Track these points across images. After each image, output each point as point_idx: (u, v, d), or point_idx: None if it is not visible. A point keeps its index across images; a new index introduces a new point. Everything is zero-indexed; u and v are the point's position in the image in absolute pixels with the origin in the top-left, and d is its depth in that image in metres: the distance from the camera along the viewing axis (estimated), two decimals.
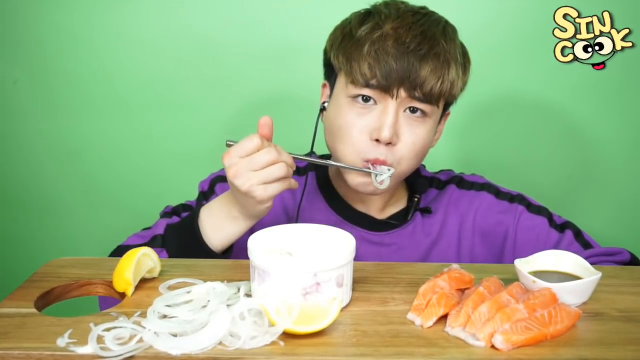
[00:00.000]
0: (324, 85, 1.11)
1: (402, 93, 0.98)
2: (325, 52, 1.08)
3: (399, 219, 1.14)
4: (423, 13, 1.03)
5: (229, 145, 0.94)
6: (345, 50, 1.01)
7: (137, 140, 1.59)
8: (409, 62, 0.97)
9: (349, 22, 1.04)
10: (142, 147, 1.59)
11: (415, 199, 1.14)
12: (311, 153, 1.13)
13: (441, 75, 0.98)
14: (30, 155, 1.61)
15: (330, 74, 1.08)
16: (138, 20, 1.52)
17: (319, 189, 1.15)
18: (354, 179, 1.03)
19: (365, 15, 1.03)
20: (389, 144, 0.99)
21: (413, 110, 1.00)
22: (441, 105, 1.03)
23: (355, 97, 1.00)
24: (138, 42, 1.52)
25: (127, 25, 1.52)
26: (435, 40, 0.99)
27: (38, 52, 1.55)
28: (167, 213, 1.14)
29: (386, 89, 0.98)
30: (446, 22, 1.05)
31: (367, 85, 0.98)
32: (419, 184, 1.16)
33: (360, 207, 1.14)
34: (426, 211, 1.14)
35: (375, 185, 1.01)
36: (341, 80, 1.03)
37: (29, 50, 1.54)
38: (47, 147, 1.60)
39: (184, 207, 1.15)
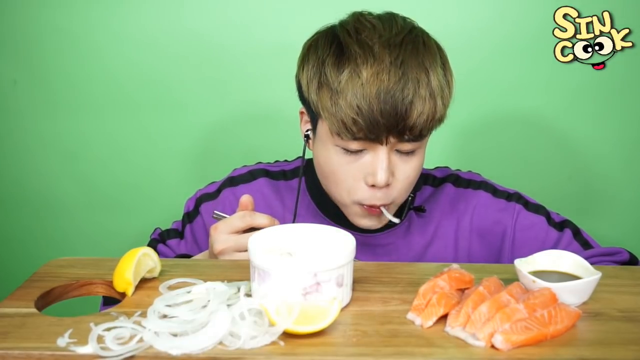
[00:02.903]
0: (301, 113, 1.07)
1: (392, 139, 0.95)
2: (300, 87, 1.01)
3: None
4: (398, 42, 0.94)
5: (216, 217, 1.00)
6: (324, 100, 0.95)
7: (135, 141, 1.59)
8: (397, 110, 0.91)
9: (323, 61, 0.96)
10: (140, 148, 1.59)
11: (410, 198, 1.11)
12: (300, 158, 1.13)
13: (430, 114, 0.94)
14: (28, 155, 1.61)
15: (308, 109, 1.02)
16: (137, 21, 1.52)
17: (309, 194, 1.14)
18: (360, 221, 1.04)
19: (339, 57, 0.95)
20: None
21: (405, 150, 0.98)
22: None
23: (343, 147, 0.97)
24: (137, 42, 1.53)
25: (126, 25, 1.52)
26: (417, 77, 0.93)
27: (37, 53, 1.55)
28: (155, 240, 1.15)
29: (374, 140, 0.94)
30: (416, 35, 0.97)
31: (355, 139, 0.94)
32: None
33: None
34: (420, 210, 1.13)
35: (389, 217, 1.02)
36: (325, 127, 0.98)
37: (29, 50, 1.54)
38: (45, 147, 1.60)
39: (168, 233, 1.16)
